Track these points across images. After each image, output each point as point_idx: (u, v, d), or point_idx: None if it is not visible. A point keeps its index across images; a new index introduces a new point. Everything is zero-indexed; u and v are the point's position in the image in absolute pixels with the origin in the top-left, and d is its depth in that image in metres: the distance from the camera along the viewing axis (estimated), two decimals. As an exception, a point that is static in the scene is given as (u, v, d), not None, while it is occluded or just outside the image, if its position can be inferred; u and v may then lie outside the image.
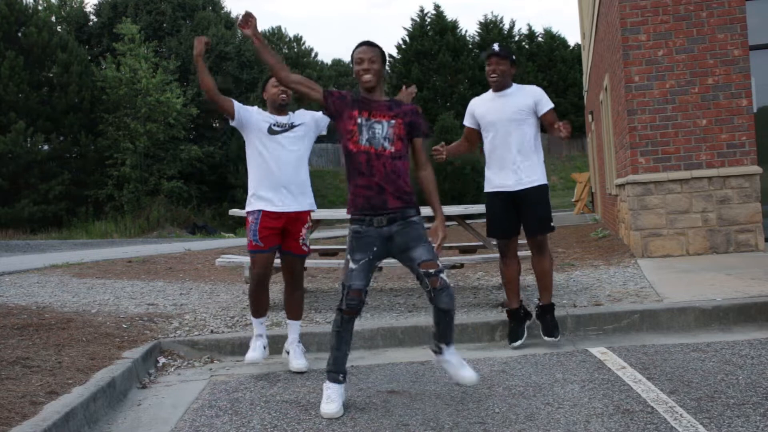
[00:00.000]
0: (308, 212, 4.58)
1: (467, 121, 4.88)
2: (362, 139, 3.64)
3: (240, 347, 5.08)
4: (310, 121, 4.62)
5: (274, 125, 4.49)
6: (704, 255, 7.78)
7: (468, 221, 6.17)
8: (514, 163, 4.63)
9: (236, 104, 4.50)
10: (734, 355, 4.22)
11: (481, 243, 6.24)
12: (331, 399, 3.61)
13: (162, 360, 4.91)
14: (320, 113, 4.61)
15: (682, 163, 7.95)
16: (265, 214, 4.41)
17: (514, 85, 4.74)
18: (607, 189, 12.93)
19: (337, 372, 3.70)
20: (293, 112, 4.65)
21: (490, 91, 4.80)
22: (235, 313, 5.92)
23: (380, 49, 3.75)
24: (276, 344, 4.86)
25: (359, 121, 3.66)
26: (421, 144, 3.77)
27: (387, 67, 3.77)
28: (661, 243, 7.94)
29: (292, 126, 4.53)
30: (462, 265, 6.99)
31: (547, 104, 4.66)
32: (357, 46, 3.75)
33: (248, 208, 4.49)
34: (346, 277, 3.63)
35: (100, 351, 4.58)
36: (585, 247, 9.64)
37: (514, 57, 4.74)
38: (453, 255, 7.02)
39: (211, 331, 5.33)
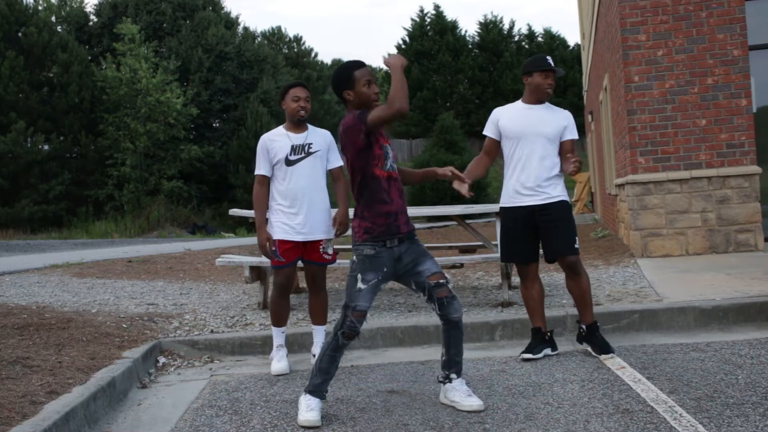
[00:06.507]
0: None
1: (490, 131, 4.62)
2: (387, 164, 3.52)
3: (240, 347, 5.09)
4: (323, 143, 4.60)
5: (291, 154, 4.48)
6: (704, 255, 7.79)
7: (468, 221, 6.17)
8: (535, 177, 4.40)
9: (264, 172, 4.52)
10: (734, 354, 4.23)
11: (481, 243, 6.25)
12: (312, 408, 3.45)
13: (162, 360, 4.92)
14: (330, 137, 4.64)
15: (682, 163, 7.96)
16: (282, 241, 4.46)
17: (546, 102, 4.57)
18: (606, 189, 12.94)
19: (321, 392, 3.52)
20: (309, 128, 4.63)
21: (519, 102, 4.59)
22: (235, 313, 5.93)
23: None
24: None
25: (383, 145, 3.52)
26: None
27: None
28: (660, 243, 7.94)
29: (309, 152, 4.51)
30: (462, 265, 7.00)
31: (573, 133, 4.49)
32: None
33: (268, 230, 4.50)
34: (351, 298, 3.44)
35: (100, 351, 4.59)
36: (584, 247, 9.64)
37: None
38: (453, 255, 7.02)
39: (211, 331, 5.33)
